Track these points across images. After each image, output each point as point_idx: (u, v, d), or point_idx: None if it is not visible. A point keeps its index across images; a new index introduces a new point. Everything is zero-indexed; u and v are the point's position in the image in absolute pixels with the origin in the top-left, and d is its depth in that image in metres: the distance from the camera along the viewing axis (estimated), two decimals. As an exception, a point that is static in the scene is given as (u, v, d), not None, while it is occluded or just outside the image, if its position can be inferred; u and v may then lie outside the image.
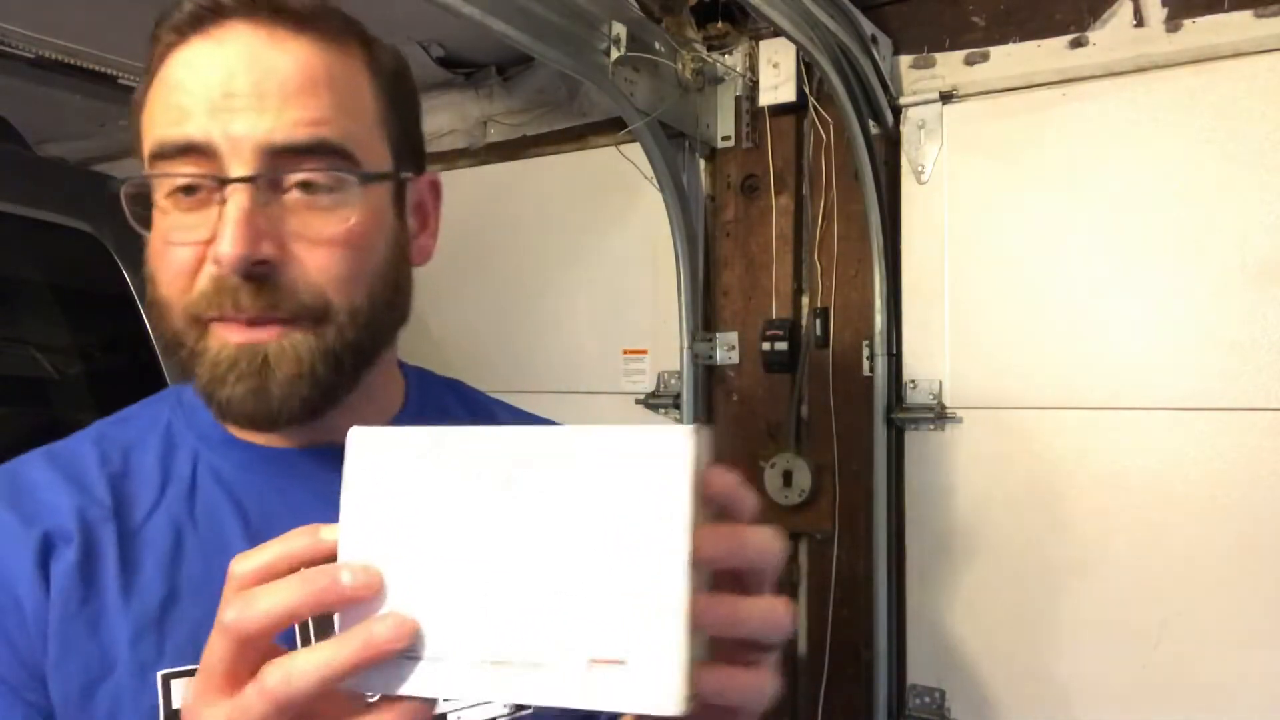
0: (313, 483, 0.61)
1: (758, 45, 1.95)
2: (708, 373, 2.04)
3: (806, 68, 1.89)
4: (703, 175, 2.05)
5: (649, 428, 0.39)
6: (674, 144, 1.94)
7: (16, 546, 0.57)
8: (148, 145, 0.57)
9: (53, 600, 0.56)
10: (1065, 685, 1.67)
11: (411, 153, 0.65)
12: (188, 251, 0.56)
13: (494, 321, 2.31)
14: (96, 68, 2.16)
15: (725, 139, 2.01)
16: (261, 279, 0.55)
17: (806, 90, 1.90)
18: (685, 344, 1.98)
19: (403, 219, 0.63)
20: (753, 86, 1.98)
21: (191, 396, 0.64)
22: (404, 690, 0.40)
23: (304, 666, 0.39)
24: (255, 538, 0.58)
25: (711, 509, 0.41)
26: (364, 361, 0.61)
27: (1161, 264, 1.61)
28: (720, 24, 1.93)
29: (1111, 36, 1.66)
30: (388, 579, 0.41)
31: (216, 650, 0.41)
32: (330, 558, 0.42)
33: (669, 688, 0.37)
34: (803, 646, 1.95)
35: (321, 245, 0.57)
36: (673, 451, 0.38)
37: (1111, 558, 1.64)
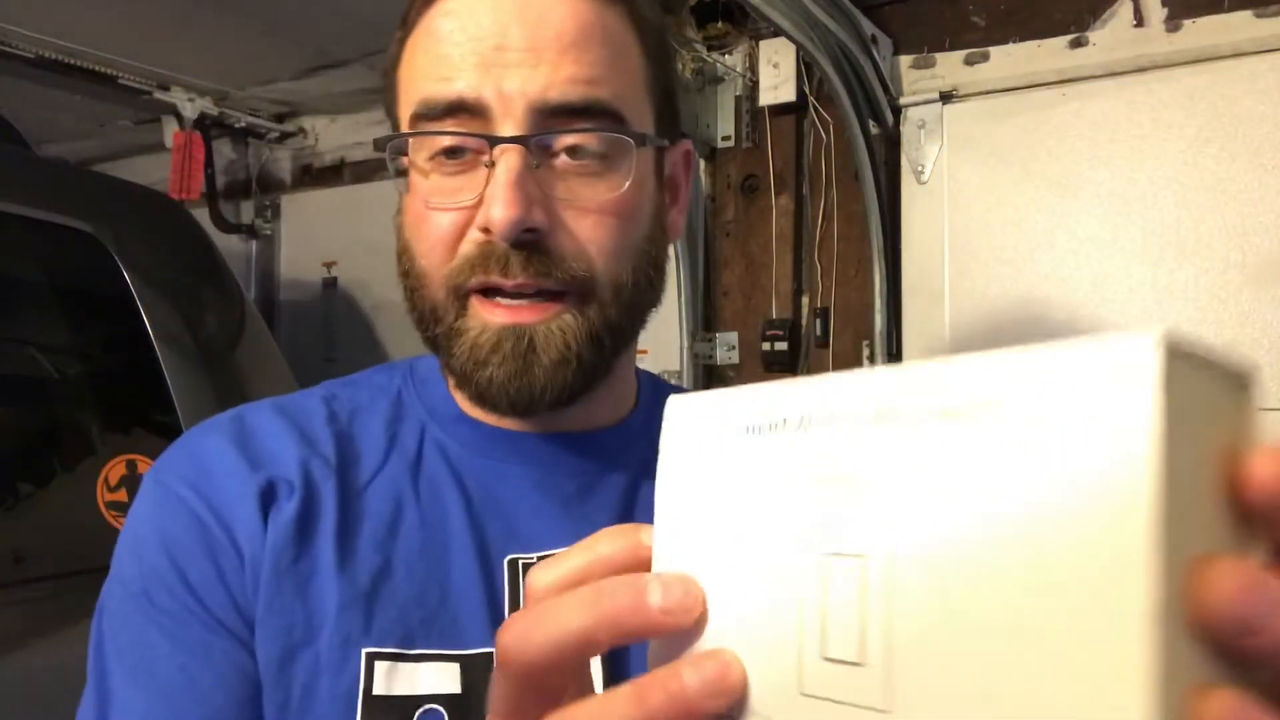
0: (539, 469, 0.58)
1: (758, 45, 1.95)
2: (708, 373, 2.04)
3: (806, 68, 1.89)
4: (703, 175, 2.05)
5: (1094, 344, 0.23)
6: (674, 144, 1.94)
7: (240, 488, 0.54)
8: (409, 103, 0.54)
9: (267, 551, 0.53)
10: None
11: (672, 120, 0.60)
12: (451, 217, 0.53)
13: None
14: (96, 68, 2.16)
15: (725, 139, 2.01)
16: (531, 247, 0.51)
17: (806, 90, 1.90)
18: (685, 344, 1.98)
19: (662, 193, 0.59)
20: (753, 86, 1.98)
21: (425, 369, 0.62)
22: None
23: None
24: (475, 519, 0.57)
25: (1243, 521, 0.22)
26: (622, 344, 0.57)
27: (1161, 263, 1.61)
28: (720, 24, 1.93)
29: (1111, 36, 1.66)
30: (713, 602, 0.28)
31: (497, 687, 0.31)
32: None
33: None
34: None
35: (591, 213, 0.53)
36: (1128, 393, 0.21)
37: (1111, 558, 1.64)
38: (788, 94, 1.90)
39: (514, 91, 0.50)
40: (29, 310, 1.48)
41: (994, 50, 1.76)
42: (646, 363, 2.10)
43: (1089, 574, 0.21)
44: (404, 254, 0.57)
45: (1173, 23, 1.60)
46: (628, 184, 0.53)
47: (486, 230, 0.51)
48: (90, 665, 0.55)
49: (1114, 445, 0.21)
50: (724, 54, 1.99)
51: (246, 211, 2.75)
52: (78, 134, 2.68)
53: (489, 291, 0.53)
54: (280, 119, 2.63)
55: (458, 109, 0.51)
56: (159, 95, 2.31)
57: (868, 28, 1.74)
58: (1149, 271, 1.62)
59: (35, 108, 2.33)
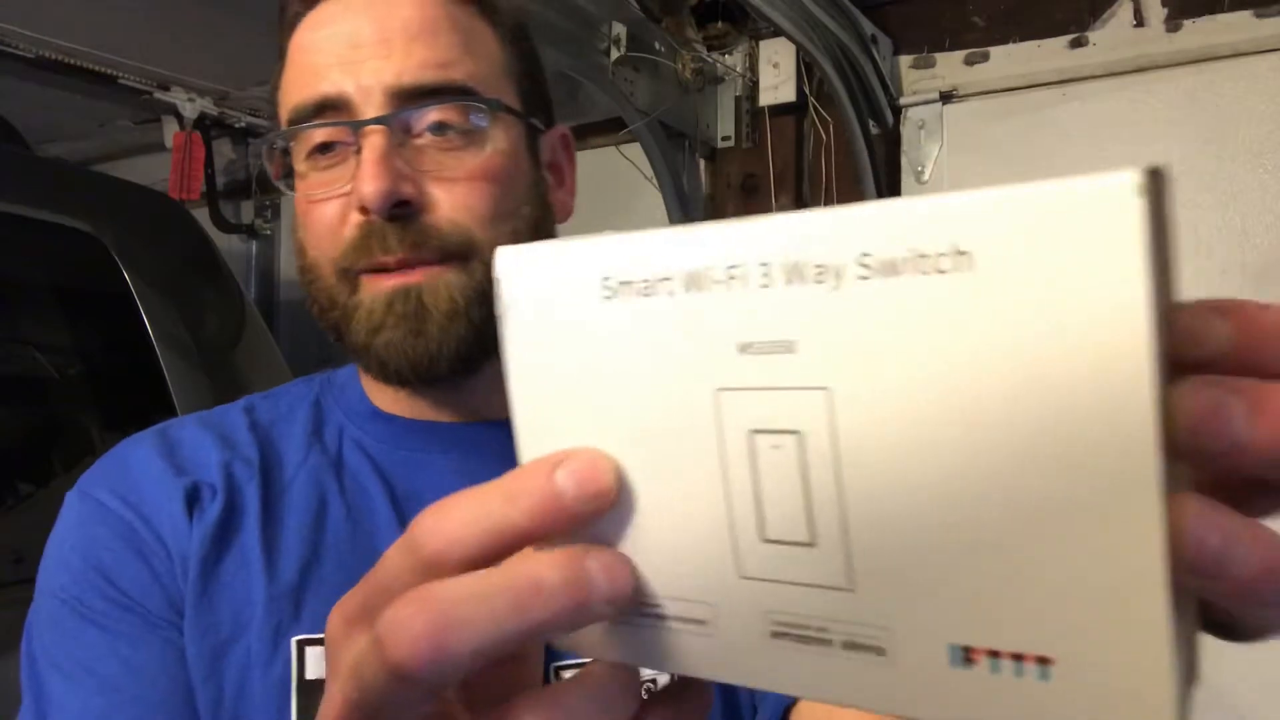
0: (460, 457, 0.60)
1: (758, 45, 1.95)
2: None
3: (806, 68, 1.89)
4: (703, 175, 2.05)
5: (1067, 186, 0.20)
6: (674, 144, 1.94)
7: (166, 491, 0.56)
8: (285, 114, 0.57)
9: (194, 551, 0.55)
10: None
11: (541, 104, 0.64)
12: (331, 206, 0.56)
13: (494, 321, 2.31)
14: (96, 68, 2.16)
15: (725, 139, 2.01)
16: (405, 220, 0.54)
17: (806, 90, 1.90)
18: (685, 344, 1.98)
19: (539, 170, 0.63)
20: (753, 86, 1.98)
21: (342, 377, 0.65)
22: (623, 658, 0.26)
23: (461, 599, 0.23)
24: (399, 509, 0.58)
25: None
26: None
27: (1161, 264, 1.61)
28: (720, 24, 1.93)
29: (1111, 36, 1.66)
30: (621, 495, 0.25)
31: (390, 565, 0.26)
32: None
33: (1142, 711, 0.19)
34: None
35: (460, 182, 0.56)
36: (1110, 231, 0.19)
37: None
38: (788, 94, 1.90)
39: (371, 83, 0.54)
40: (29, 310, 1.48)
41: (994, 50, 1.76)
42: (646, 363, 2.10)
43: (1089, 438, 0.19)
44: (298, 253, 0.59)
45: (1173, 23, 1.60)
46: (490, 150, 0.56)
47: (364, 211, 0.54)
48: (24, 684, 0.55)
49: (1104, 304, 0.20)
50: (724, 54, 1.99)
51: (246, 211, 2.75)
52: (78, 134, 2.68)
53: (375, 271, 0.55)
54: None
55: (324, 108, 0.55)
56: (159, 95, 2.31)
57: (868, 28, 1.74)
58: (1149, 271, 1.62)
59: (35, 108, 2.33)
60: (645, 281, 0.24)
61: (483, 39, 0.59)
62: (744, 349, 0.23)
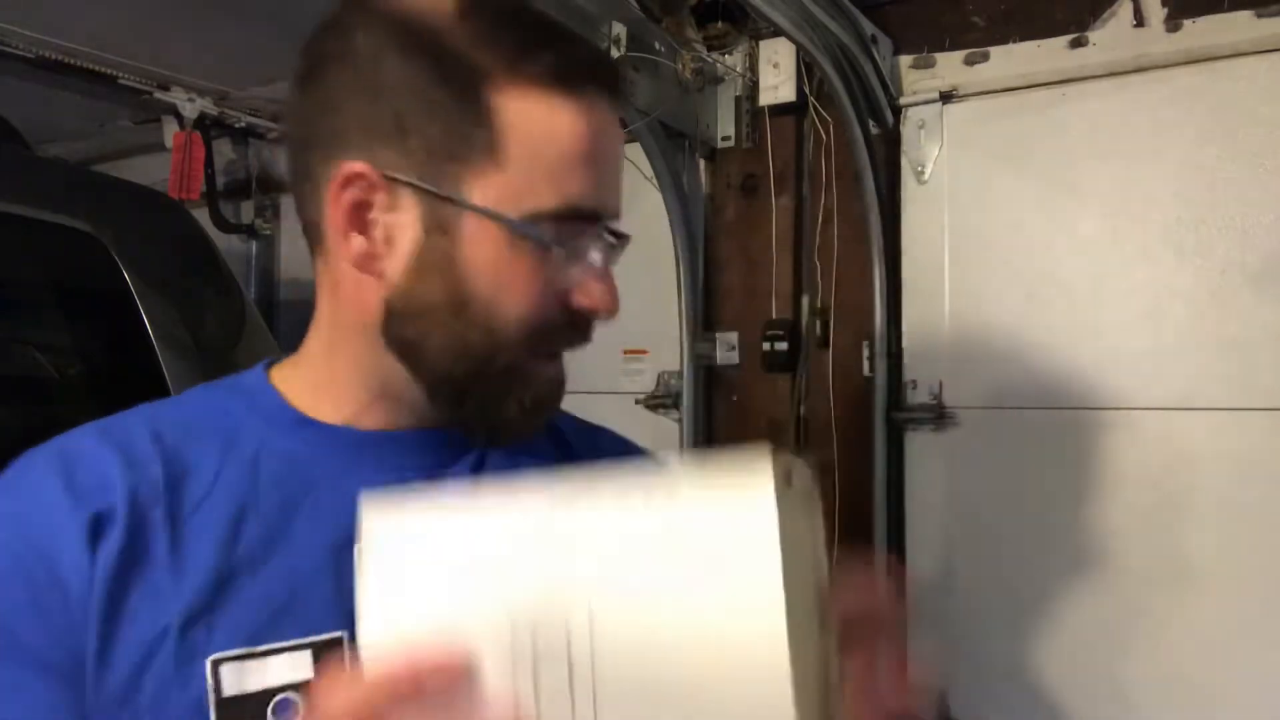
0: (389, 463, 0.63)
1: (758, 45, 1.95)
2: (708, 373, 2.04)
3: (806, 68, 1.89)
4: (703, 175, 2.05)
5: (715, 490, 0.32)
6: (674, 144, 1.94)
7: (65, 524, 0.55)
8: (554, 195, 0.58)
9: (96, 585, 0.54)
10: (1065, 685, 1.67)
11: None
12: (553, 289, 0.60)
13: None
14: (96, 68, 2.16)
15: (725, 139, 2.01)
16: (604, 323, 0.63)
17: (806, 90, 1.90)
18: (685, 344, 1.98)
19: None
20: (753, 86, 1.98)
21: (251, 383, 0.65)
22: None
23: None
24: (322, 512, 0.60)
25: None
26: None
27: (1161, 264, 1.61)
28: (720, 24, 1.93)
29: (1111, 36, 1.66)
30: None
31: None
32: None
33: None
34: (803, 646, 1.95)
35: None
36: (755, 531, 0.31)
37: (1111, 557, 1.63)
38: (788, 94, 1.90)
39: (618, 207, 0.62)
40: (29, 310, 1.48)
41: (994, 50, 1.76)
42: (647, 363, 2.10)
43: (741, 696, 0.31)
44: (471, 303, 0.59)
45: (1173, 23, 1.60)
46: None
47: (588, 309, 0.61)
48: None
49: (749, 586, 0.30)
50: (724, 54, 1.99)
51: (246, 211, 2.74)
52: (78, 134, 2.68)
53: (557, 354, 0.64)
54: (280, 119, 2.63)
55: (590, 215, 0.60)
56: (159, 95, 2.31)
57: (868, 28, 1.74)
58: (1149, 271, 1.62)
59: (35, 108, 2.33)
60: (462, 556, 0.40)
61: None
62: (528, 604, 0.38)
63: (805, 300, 1.96)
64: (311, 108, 0.61)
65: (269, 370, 0.66)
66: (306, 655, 0.57)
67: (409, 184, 0.57)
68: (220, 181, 2.64)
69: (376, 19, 0.59)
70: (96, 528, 0.55)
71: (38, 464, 0.58)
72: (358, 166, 0.57)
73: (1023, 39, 1.73)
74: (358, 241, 0.59)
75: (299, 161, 0.62)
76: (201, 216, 2.08)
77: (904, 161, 1.83)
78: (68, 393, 1.49)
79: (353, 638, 0.54)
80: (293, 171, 0.63)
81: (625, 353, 2.13)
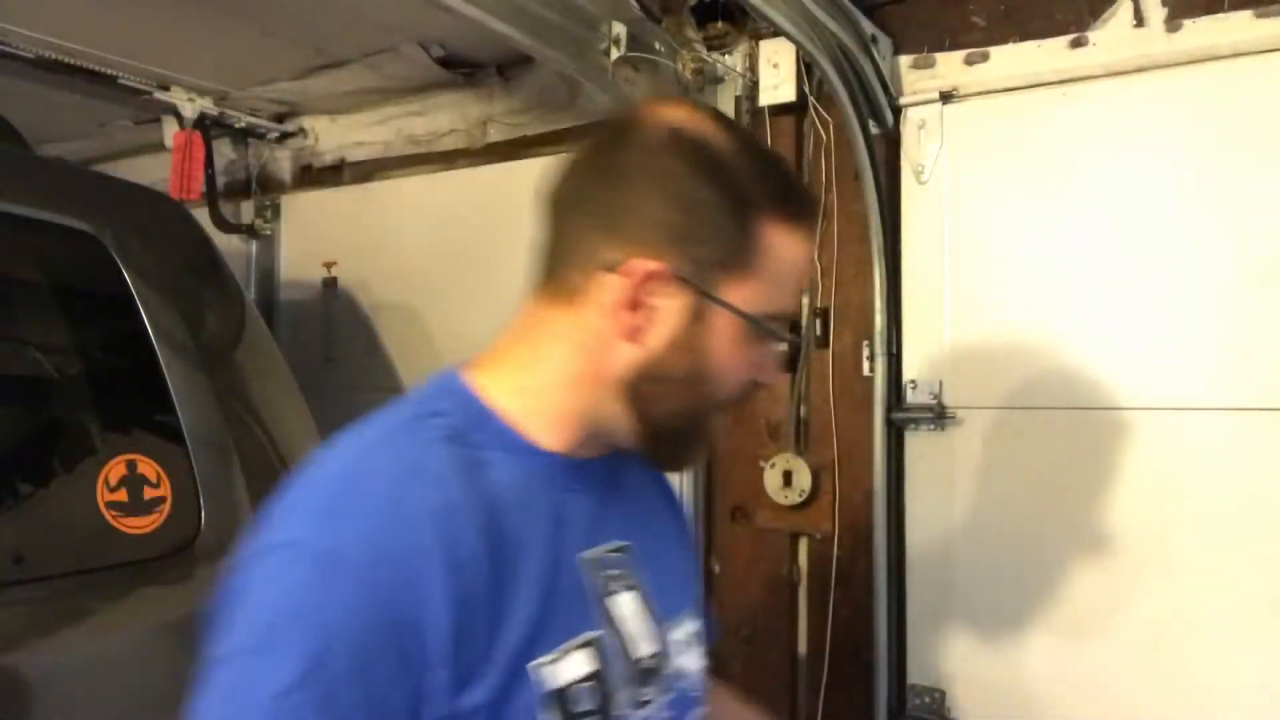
0: (567, 489, 0.78)
1: (758, 45, 1.95)
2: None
3: (806, 68, 1.89)
4: (703, 175, 2.05)
5: None
6: (674, 144, 1.93)
7: (430, 564, 0.66)
8: (774, 299, 0.77)
9: (455, 622, 0.66)
10: (1065, 685, 1.67)
11: None
12: (749, 367, 0.79)
13: (494, 321, 2.30)
14: (96, 68, 2.16)
15: (725, 139, 2.01)
16: None
17: (806, 90, 1.90)
18: (685, 344, 1.98)
19: None
20: (753, 86, 1.98)
21: (481, 407, 0.77)
22: None
23: None
24: (565, 533, 0.76)
25: None
26: None
27: (1161, 264, 1.61)
28: (720, 24, 1.93)
29: (1111, 36, 1.66)
30: None
31: None
32: None
33: None
34: (803, 647, 1.95)
35: None
36: None
37: (1111, 557, 1.63)
38: (788, 94, 1.90)
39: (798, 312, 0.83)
40: (29, 310, 1.48)
41: (994, 50, 1.76)
42: (646, 363, 2.10)
43: None
44: (704, 376, 0.77)
45: (1173, 23, 1.60)
46: None
47: (761, 384, 0.83)
48: None
49: None
50: (724, 54, 1.99)
51: (246, 211, 2.74)
52: (78, 134, 2.68)
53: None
54: (280, 119, 2.63)
55: (791, 318, 0.80)
56: (159, 95, 2.31)
57: (868, 28, 1.74)
58: (1149, 271, 1.62)
59: (35, 108, 2.33)
60: None
61: None
62: None
63: (805, 300, 1.96)
64: (610, 202, 0.75)
65: (483, 394, 0.78)
66: (585, 653, 0.74)
67: (690, 282, 0.73)
68: (220, 181, 2.64)
69: (681, 147, 0.73)
70: (454, 568, 0.66)
71: (409, 498, 0.68)
72: (654, 266, 0.72)
73: (1023, 39, 1.73)
74: (628, 316, 0.73)
75: (579, 236, 0.76)
76: (201, 216, 2.08)
77: (904, 161, 1.83)
78: (68, 393, 1.49)
79: (605, 637, 0.76)
80: (565, 238, 0.78)
81: (625, 353, 2.12)
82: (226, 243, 2.49)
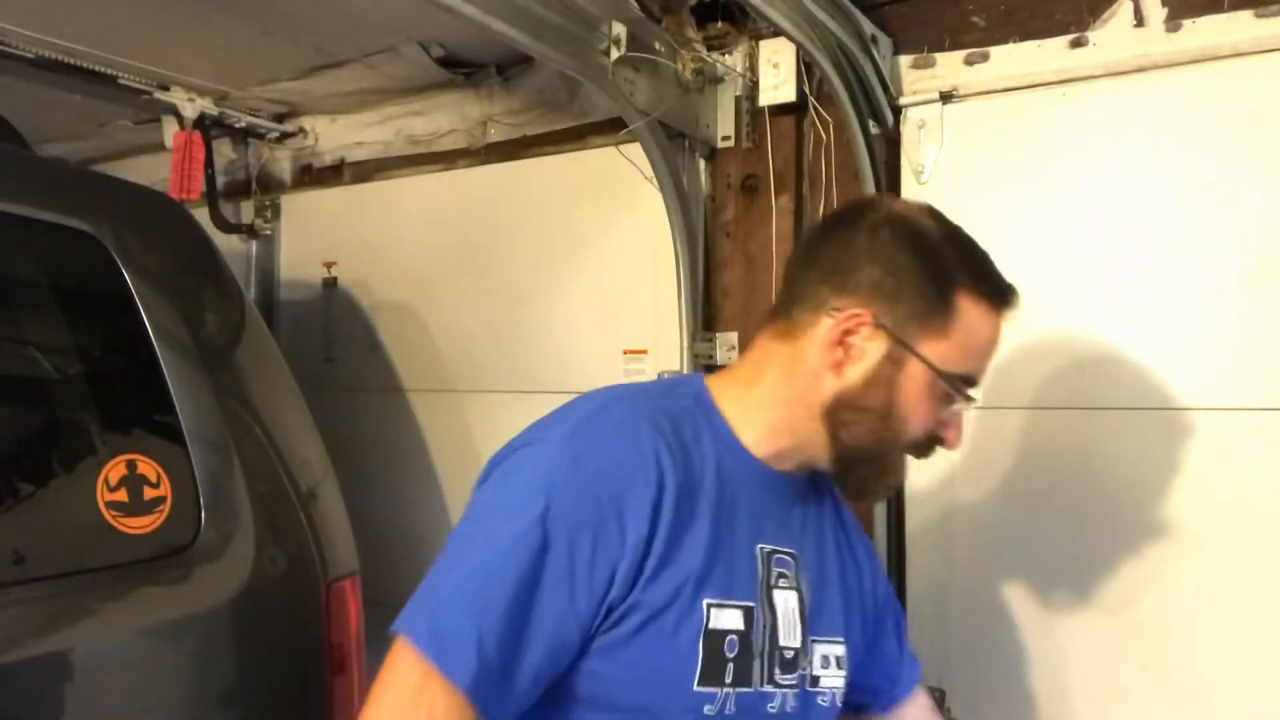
0: (766, 493, 0.98)
1: (758, 45, 1.95)
2: (708, 373, 2.03)
3: (806, 68, 1.89)
4: (703, 175, 2.05)
5: None
6: (674, 144, 1.94)
7: (640, 497, 0.86)
8: (964, 359, 0.96)
9: (649, 538, 0.86)
10: (1065, 685, 1.67)
11: None
12: (934, 419, 0.98)
13: (494, 321, 2.31)
14: (96, 68, 2.16)
15: (725, 139, 2.01)
16: None
17: (806, 90, 1.90)
18: (685, 344, 1.98)
19: None
20: (753, 86, 1.98)
21: (708, 407, 0.97)
22: None
23: None
24: (748, 520, 0.95)
25: None
26: None
27: (1161, 264, 1.61)
28: (720, 24, 1.93)
29: (1111, 36, 1.66)
30: None
31: None
32: None
33: None
34: (803, 646, 1.95)
35: None
36: None
37: (1111, 557, 1.63)
38: (788, 94, 1.90)
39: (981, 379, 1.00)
40: (29, 310, 1.48)
41: (994, 50, 1.76)
42: (646, 362, 2.10)
43: None
44: (893, 414, 0.95)
45: (1173, 23, 1.60)
46: None
47: (943, 439, 1.01)
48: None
49: None
50: (724, 54, 1.99)
51: (246, 211, 2.74)
52: (78, 134, 2.68)
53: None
54: (280, 119, 2.63)
55: (974, 384, 0.99)
56: (159, 95, 2.31)
57: (868, 27, 1.74)
58: (1149, 271, 1.62)
59: (35, 108, 2.33)
60: None
61: None
62: None
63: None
64: (836, 262, 0.94)
65: (715, 398, 0.98)
66: (739, 613, 0.92)
67: (889, 331, 0.92)
68: (220, 181, 2.64)
69: (898, 228, 0.95)
70: (656, 505, 0.87)
71: (639, 436, 0.89)
72: (863, 313, 0.91)
73: (1023, 39, 1.73)
74: (837, 351, 0.92)
75: (811, 288, 0.95)
76: (201, 216, 2.08)
77: (904, 161, 1.83)
78: (68, 393, 1.49)
79: (758, 609, 0.94)
80: (798, 287, 0.97)
81: (625, 353, 2.13)
82: (226, 243, 2.49)
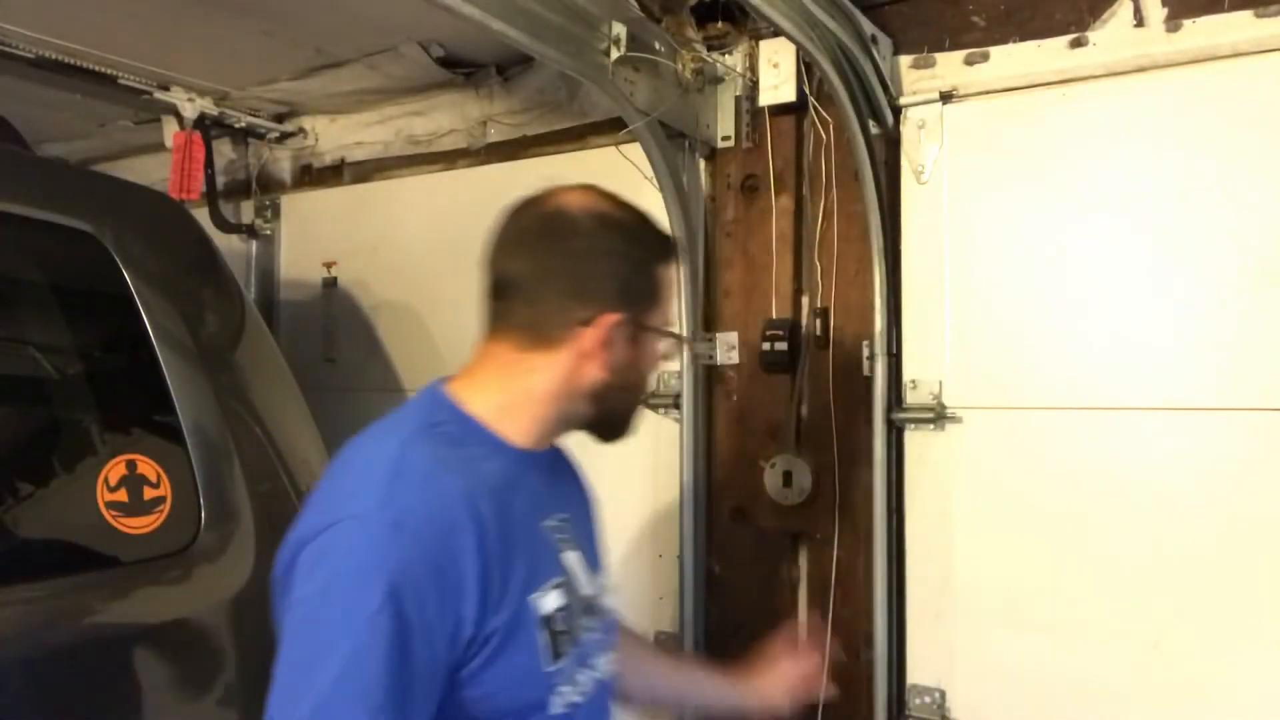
0: (534, 475, 1.06)
1: (758, 45, 1.95)
2: (708, 373, 2.04)
3: (806, 68, 1.89)
4: (703, 175, 2.05)
5: None
6: (674, 144, 1.94)
7: (467, 538, 0.93)
8: (666, 314, 1.09)
9: (481, 574, 0.93)
10: (1065, 685, 1.67)
11: None
12: (658, 364, 1.12)
13: (494, 321, 2.30)
14: (96, 68, 2.16)
15: (725, 139, 2.01)
16: None
17: (806, 90, 1.90)
18: (685, 344, 1.98)
19: None
20: (753, 86, 1.98)
21: (468, 419, 1.04)
22: None
23: None
24: (531, 505, 1.04)
25: None
26: None
27: (1161, 264, 1.61)
28: (720, 24, 1.93)
29: (1111, 36, 1.66)
30: None
31: None
32: None
33: None
34: (803, 646, 1.95)
35: None
36: None
37: (1111, 557, 1.64)
38: (788, 94, 1.90)
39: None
40: (29, 310, 1.48)
41: (994, 50, 1.76)
42: (646, 363, 2.10)
43: None
44: (641, 378, 1.11)
45: (1173, 23, 1.60)
46: None
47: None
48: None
49: None
50: (724, 54, 1.99)
51: (246, 211, 2.75)
52: (78, 134, 2.68)
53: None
54: (280, 119, 2.63)
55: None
56: (159, 95, 2.31)
57: (868, 28, 1.74)
58: (1149, 271, 1.62)
59: (35, 108, 2.33)
60: None
61: None
62: None
63: (805, 300, 1.96)
64: (575, 273, 1.03)
65: (470, 410, 1.05)
66: (556, 590, 1.03)
67: (630, 320, 1.03)
68: (220, 181, 2.64)
69: (599, 222, 1.04)
70: (481, 541, 0.94)
71: (443, 483, 0.95)
72: (610, 317, 1.02)
73: (1023, 39, 1.73)
74: (598, 353, 1.03)
75: (556, 304, 1.02)
76: (201, 216, 2.08)
77: (904, 161, 1.83)
78: (68, 393, 1.49)
79: (566, 578, 1.05)
80: (541, 304, 1.03)
81: (625, 353, 2.13)
82: (226, 243, 2.49)
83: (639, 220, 1.08)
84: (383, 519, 0.90)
